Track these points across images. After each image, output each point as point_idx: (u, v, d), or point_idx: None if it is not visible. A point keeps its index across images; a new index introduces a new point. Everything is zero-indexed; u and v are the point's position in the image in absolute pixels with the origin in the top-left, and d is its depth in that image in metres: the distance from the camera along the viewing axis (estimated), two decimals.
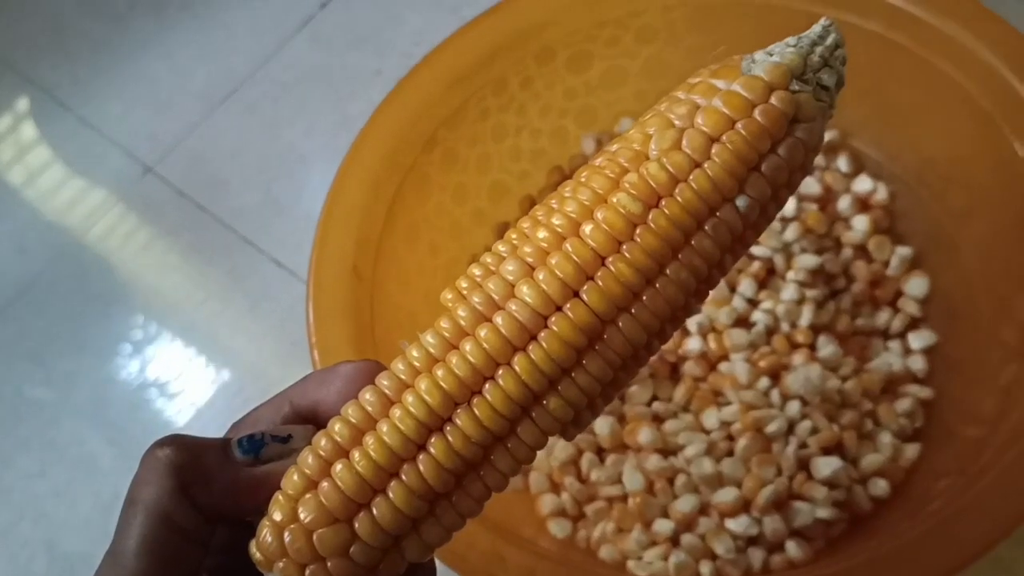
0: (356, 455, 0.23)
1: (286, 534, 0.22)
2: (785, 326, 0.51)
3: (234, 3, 0.78)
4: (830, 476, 0.45)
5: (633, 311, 0.24)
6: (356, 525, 0.23)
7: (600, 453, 0.50)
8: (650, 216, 0.24)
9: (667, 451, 0.49)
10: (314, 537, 0.22)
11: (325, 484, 0.23)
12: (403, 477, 0.23)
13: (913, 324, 0.52)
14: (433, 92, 0.53)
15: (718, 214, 0.24)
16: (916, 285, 0.52)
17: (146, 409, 0.64)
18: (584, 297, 0.23)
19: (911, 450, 0.48)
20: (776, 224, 0.53)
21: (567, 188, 0.25)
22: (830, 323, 0.51)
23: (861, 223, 0.54)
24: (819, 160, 0.55)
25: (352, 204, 0.49)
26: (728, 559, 0.44)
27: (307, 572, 0.22)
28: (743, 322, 0.51)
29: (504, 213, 0.59)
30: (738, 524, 0.45)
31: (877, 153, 0.56)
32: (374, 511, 0.23)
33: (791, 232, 0.53)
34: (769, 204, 0.25)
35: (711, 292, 0.26)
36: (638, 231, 0.23)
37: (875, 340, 0.52)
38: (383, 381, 0.23)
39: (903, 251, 0.53)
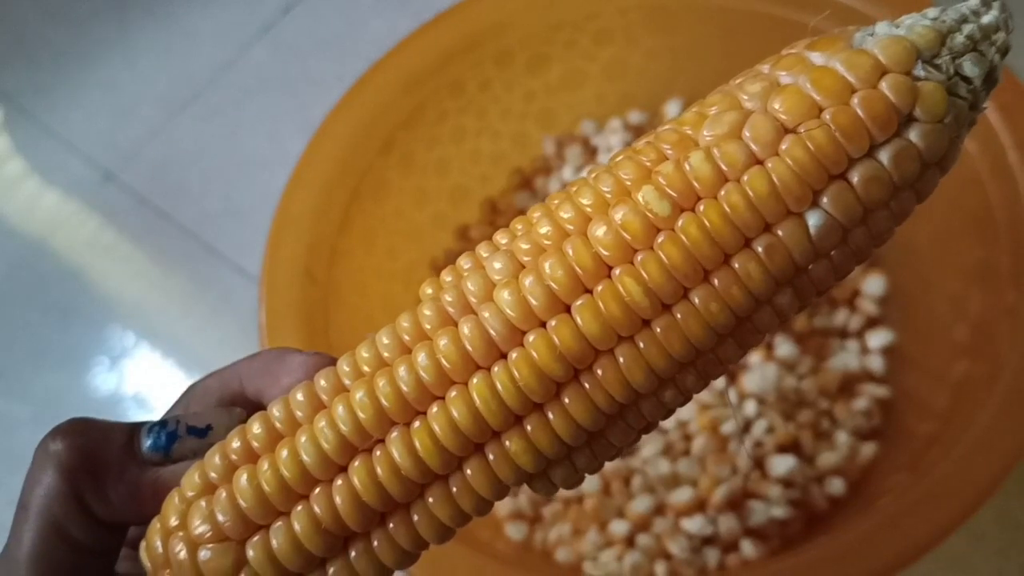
0: (264, 465, 0.19)
1: (173, 542, 0.19)
2: None
3: (196, 10, 0.78)
4: (785, 474, 0.45)
5: (639, 342, 0.18)
6: (248, 550, 0.19)
7: None
8: (680, 221, 0.18)
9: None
10: (199, 554, 0.19)
11: (223, 493, 0.19)
12: (313, 503, 0.19)
13: (871, 323, 0.52)
14: (389, 95, 0.53)
15: (777, 231, 0.18)
16: (874, 284, 0.52)
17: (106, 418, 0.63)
18: (575, 314, 0.18)
19: (867, 449, 0.48)
20: None
21: (593, 172, 0.20)
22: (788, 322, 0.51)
23: None
24: None
25: (305, 207, 0.49)
26: (683, 559, 0.44)
27: None
28: None
29: (465, 216, 0.59)
30: (693, 524, 0.44)
31: None
32: (272, 539, 0.19)
33: None
34: (856, 230, 0.19)
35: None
36: (660, 238, 0.18)
37: (833, 339, 0.52)
38: (321, 380, 0.20)
39: None
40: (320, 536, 0.19)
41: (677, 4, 0.54)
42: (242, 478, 0.19)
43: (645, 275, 0.18)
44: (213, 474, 0.20)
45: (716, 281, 0.18)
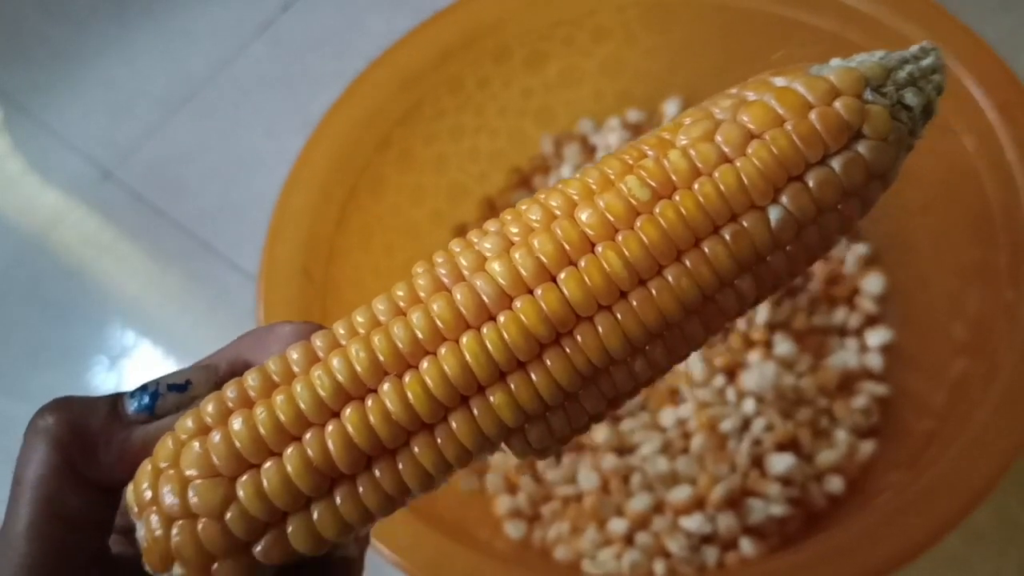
0: (260, 409, 0.20)
1: (162, 481, 0.20)
2: (742, 324, 0.51)
3: (194, 7, 0.78)
4: (784, 472, 0.45)
5: (616, 312, 0.20)
6: (238, 488, 0.20)
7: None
8: (658, 207, 0.20)
9: (623, 450, 0.48)
10: (189, 488, 0.20)
11: (217, 434, 0.20)
12: (305, 444, 0.20)
13: (870, 321, 0.52)
14: (387, 92, 0.53)
15: (742, 221, 0.21)
16: (873, 283, 0.52)
17: None
18: (560, 283, 0.20)
19: (866, 447, 0.47)
20: None
21: (580, 171, 0.22)
22: (787, 321, 0.51)
23: None
24: None
25: (302, 205, 0.49)
26: (682, 557, 0.44)
27: (175, 528, 0.20)
28: None
29: (462, 214, 0.59)
30: (692, 522, 0.44)
31: None
32: (263, 475, 0.20)
33: None
34: (809, 228, 0.21)
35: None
36: (640, 220, 0.20)
37: (832, 338, 0.52)
38: (317, 340, 0.21)
39: (860, 249, 0.53)
40: (310, 475, 0.20)
41: (675, 2, 0.54)
42: (237, 420, 0.20)
43: (626, 251, 0.20)
44: (208, 418, 0.20)
45: (687, 261, 0.20)
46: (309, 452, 0.20)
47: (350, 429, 0.20)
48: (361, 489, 0.20)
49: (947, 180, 0.49)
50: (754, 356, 0.49)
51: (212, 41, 0.76)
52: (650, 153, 0.21)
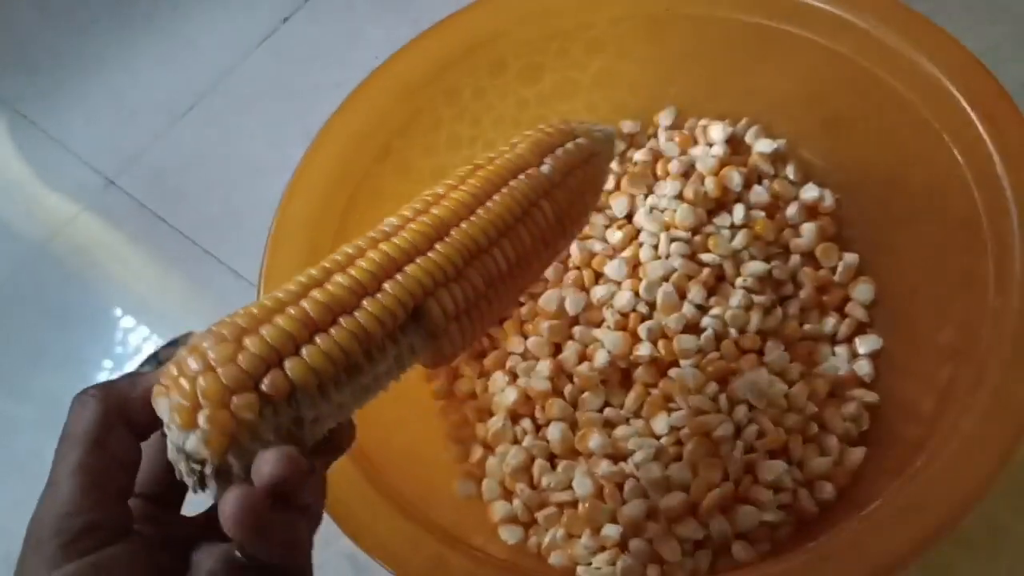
0: (252, 307, 0.29)
1: (184, 364, 0.27)
2: (733, 332, 0.51)
3: (197, 17, 0.79)
4: (775, 479, 0.46)
5: (471, 219, 0.34)
6: (246, 344, 0.27)
7: (552, 459, 0.50)
8: (479, 171, 0.36)
9: (617, 456, 0.49)
10: (207, 353, 0.27)
11: (222, 328, 0.28)
12: (287, 315, 0.29)
13: (860, 329, 0.53)
14: (385, 102, 0.54)
15: (529, 171, 0.37)
16: (862, 291, 0.53)
17: None
18: (434, 210, 0.34)
19: (856, 453, 0.48)
20: (725, 231, 0.54)
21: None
22: (778, 329, 0.52)
23: (809, 230, 0.54)
24: (768, 168, 0.56)
25: (303, 214, 0.49)
26: (675, 563, 0.45)
27: (199, 381, 0.26)
28: (693, 328, 0.52)
29: None
30: (685, 528, 0.45)
31: (824, 162, 0.57)
32: (262, 332, 0.28)
33: (740, 239, 0.53)
34: (568, 178, 0.38)
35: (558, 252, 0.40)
36: (472, 178, 0.36)
37: (822, 345, 0.52)
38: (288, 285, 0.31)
39: (850, 258, 0.54)
40: (295, 324, 0.28)
41: (668, 16, 0.55)
42: (237, 316, 0.29)
43: (467, 188, 0.35)
44: (214, 328, 0.28)
45: (504, 191, 0.36)
46: (293, 314, 0.29)
47: (319, 297, 0.29)
48: (333, 331, 0.29)
49: (936, 190, 0.50)
50: (746, 363, 0.50)
51: (214, 51, 0.77)
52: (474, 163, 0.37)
